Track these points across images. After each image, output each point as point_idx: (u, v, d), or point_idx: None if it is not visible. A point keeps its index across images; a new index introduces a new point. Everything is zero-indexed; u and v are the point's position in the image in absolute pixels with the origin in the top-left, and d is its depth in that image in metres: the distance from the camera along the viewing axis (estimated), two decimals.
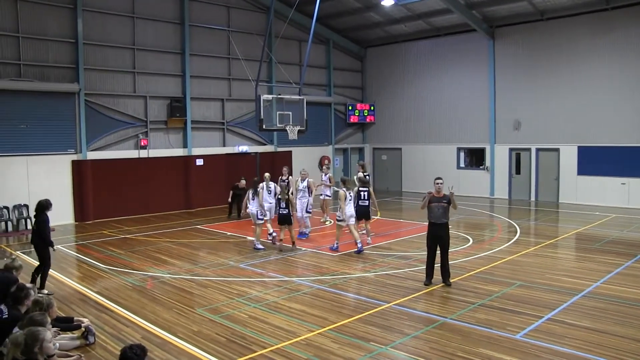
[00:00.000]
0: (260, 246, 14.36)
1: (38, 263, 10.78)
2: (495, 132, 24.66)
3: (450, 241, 10.98)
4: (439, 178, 10.85)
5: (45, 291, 10.25)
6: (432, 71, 26.94)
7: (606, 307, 9.16)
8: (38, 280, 10.66)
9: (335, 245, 14.01)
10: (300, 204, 15.87)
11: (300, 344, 7.77)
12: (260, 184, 15.04)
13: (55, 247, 11.19)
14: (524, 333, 7.99)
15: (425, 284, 10.70)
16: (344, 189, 14.04)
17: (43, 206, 10.81)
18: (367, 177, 16.60)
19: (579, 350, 7.34)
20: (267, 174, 15.67)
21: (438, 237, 10.72)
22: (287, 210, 14.13)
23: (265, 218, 14.70)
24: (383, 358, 7.29)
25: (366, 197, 14.73)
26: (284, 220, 14.19)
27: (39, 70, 18.62)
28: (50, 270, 11.02)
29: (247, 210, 14.88)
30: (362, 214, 14.68)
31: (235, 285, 11.00)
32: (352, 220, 14.00)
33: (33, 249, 11.08)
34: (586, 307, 9.21)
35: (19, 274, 8.36)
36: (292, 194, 16.03)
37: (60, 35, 19.08)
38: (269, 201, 15.09)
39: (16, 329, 6.16)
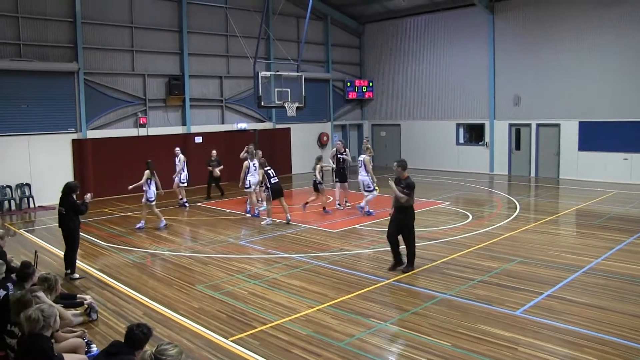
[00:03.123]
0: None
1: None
2: (495, 108, 24.49)
3: (449, 217, 10.93)
4: (395, 161, 10.30)
5: (77, 275, 10.18)
6: (430, 47, 26.68)
7: (606, 284, 9.17)
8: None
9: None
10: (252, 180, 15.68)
11: (300, 320, 7.83)
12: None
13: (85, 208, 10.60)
14: (524, 309, 8.02)
15: (389, 269, 10.15)
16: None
17: (69, 188, 10.39)
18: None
19: (578, 326, 7.37)
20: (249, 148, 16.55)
21: (394, 220, 10.15)
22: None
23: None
24: (382, 334, 7.34)
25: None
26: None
27: (39, 50, 18.50)
28: (52, 247, 11.01)
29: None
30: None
31: (235, 262, 11.05)
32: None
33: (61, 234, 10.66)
34: (586, 283, 9.23)
35: (4, 244, 8.42)
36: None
37: (59, 15, 18.92)
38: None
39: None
